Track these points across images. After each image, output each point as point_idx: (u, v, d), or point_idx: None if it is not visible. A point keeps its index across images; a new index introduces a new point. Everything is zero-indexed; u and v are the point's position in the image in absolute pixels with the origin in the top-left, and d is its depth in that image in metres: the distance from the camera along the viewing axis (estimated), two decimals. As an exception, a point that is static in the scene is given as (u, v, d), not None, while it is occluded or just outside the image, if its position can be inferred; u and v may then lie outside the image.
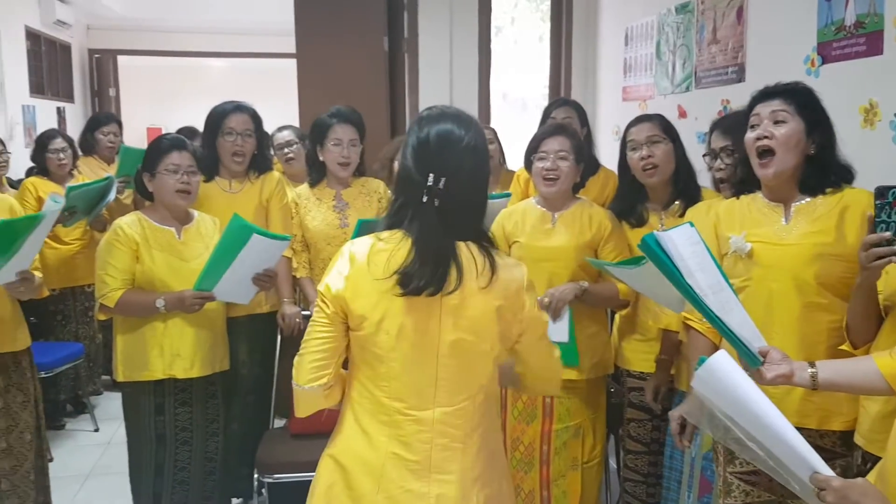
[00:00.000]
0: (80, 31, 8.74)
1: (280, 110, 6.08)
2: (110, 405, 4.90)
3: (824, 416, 2.04)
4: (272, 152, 4.23)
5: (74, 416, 4.90)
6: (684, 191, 2.79)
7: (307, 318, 1.97)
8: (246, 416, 3.34)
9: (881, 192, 1.70)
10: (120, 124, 5.47)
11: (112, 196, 4.20)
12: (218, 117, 3.23)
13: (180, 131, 4.80)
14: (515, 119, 7.67)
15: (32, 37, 7.19)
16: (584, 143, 3.08)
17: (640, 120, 2.87)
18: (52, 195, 2.83)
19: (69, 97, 8.33)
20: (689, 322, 2.25)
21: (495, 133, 4.14)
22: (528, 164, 2.87)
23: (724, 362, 1.56)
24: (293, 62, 5.35)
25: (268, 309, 3.34)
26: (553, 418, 2.84)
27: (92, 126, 5.34)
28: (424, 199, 1.65)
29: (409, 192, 1.69)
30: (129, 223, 2.81)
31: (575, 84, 5.57)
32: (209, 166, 3.20)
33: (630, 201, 2.88)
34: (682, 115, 4.20)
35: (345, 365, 1.82)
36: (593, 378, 2.86)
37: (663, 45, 4.46)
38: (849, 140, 2.14)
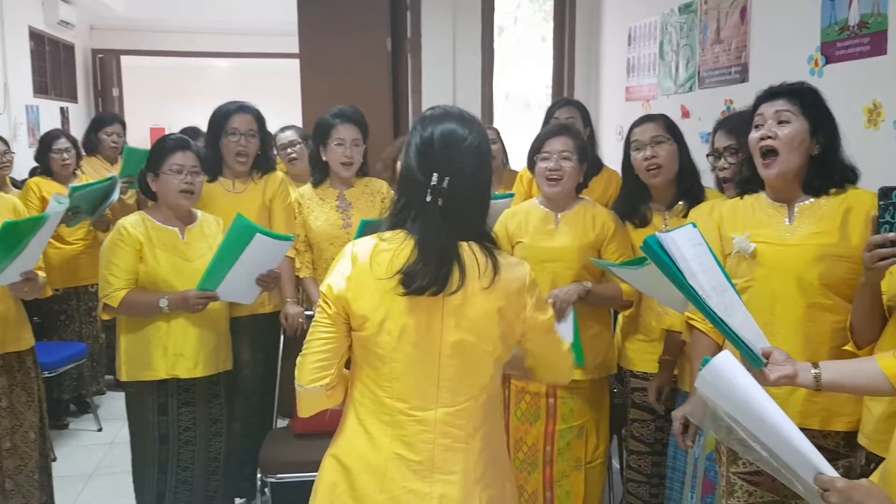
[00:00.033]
0: (83, 31, 8.75)
1: (283, 110, 6.08)
2: (113, 405, 4.91)
3: (827, 416, 2.04)
4: (275, 152, 4.24)
5: (78, 415, 4.90)
6: (688, 191, 2.79)
7: (310, 318, 1.97)
8: (249, 416, 3.35)
9: (885, 193, 1.70)
10: (123, 124, 5.48)
11: (115, 196, 4.21)
12: (221, 117, 3.24)
13: (183, 131, 4.80)
14: (518, 119, 7.66)
15: (36, 37, 7.20)
16: (587, 143, 3.07)
17: (643, 120, 2.86)
18: (55, 196, 2.84)
19: (73, 97, 8.34)
20: (692, 322, 2.25)
21: (498, 133, 4.14)
22: (532, 164, 2.87)
23: (727, 363, 1.56)
24: (296, 62, 5.35)
25: (271, 309, 3.35)
26: (556, 419, 2.84)
27: (95, 126, 5.35)
28: (428, 198, 1.65)
29: (413, 191, 1.69)
30: (132, 223, 2.81)
31: (578, 84, 5.57)
32: (213, 166, 3.20)
33: (634, 201, 2.87)
34: (686, 115, 4.20)
35: (347, 365, 1.82)
36: (597, 378, 2.86)
37: (666, 45, 4.46)
38: (852, 140, 2.14)
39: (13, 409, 2.85)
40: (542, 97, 6.77)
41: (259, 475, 3.14)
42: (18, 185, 4.85)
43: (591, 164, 2.93)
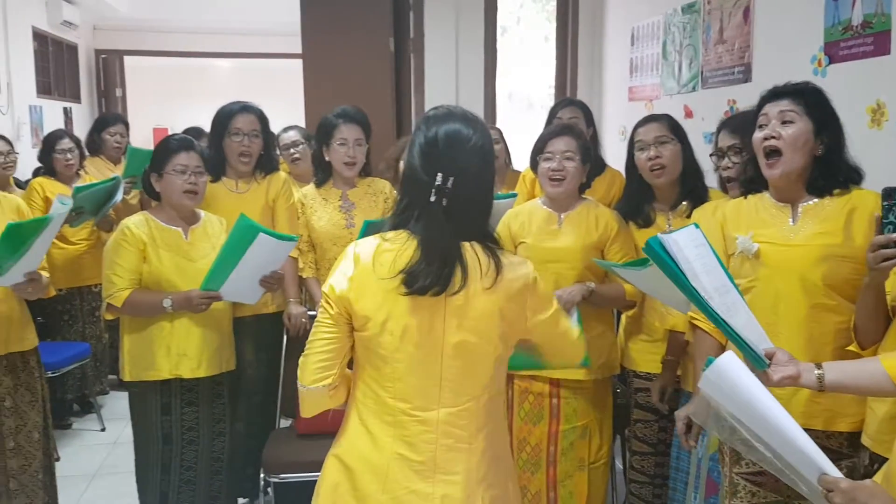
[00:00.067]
0: (86, 31, 8.77)
1: (286, 111, 6.09)
2: (117, 405, 4.92)
3: (830, 417, 2.03)
4: (278, 152, 4.24)
5: (81, 415, 4.91)
6: (692, 191, 2.79)
7: (313, 318, 1.97)
8: (252, 415, 3.35)
9: (888, 193, 1.70)
10: (126, 125, 5.48)
11: (119, 197, 4.21)
12: (225, 118, 3.24)
13: (186, 132, 4.80)
14: (521, 119, 7.67)
15: (39, 37, 7.22)
16: (590, 143, 3.07)
17: (647, 120, 2.86)
18: (59, 197, 2.84)
19: (76, 97, 8.36)
20: (695, 322, 2.24)
21: (501, 133, 4.14)
22: (534, 164, 2.87)
23: (731, 363, 1.56)
24: (299, 62, 5.35)
25: (274, 309, 3.35)
26: (560, 419, 2.83)
27: (99, 126, 5.36)
28: (432, 198, 1.65)
29: (416, 191, 1.69)
30: (136, 223, 2.82)
31: (581, 84, 5.57)
32: (216, 167, 3.20)
33: (637, 202, 2.87)
34: (689, 115, 4.19)
35: (350, 365, 1.82)
36: (600, 378, 2.86)
37: (669, 45, 4.45)
38: (856, 140, 2.13)
39: (17, 409, 2.86)
40: (545, 97, 6.78)
41: (262, 475, 3.14)
42: (22, 185, 4.86)
43: (593, 164, 2.93)
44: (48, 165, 4.65)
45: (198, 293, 2.73)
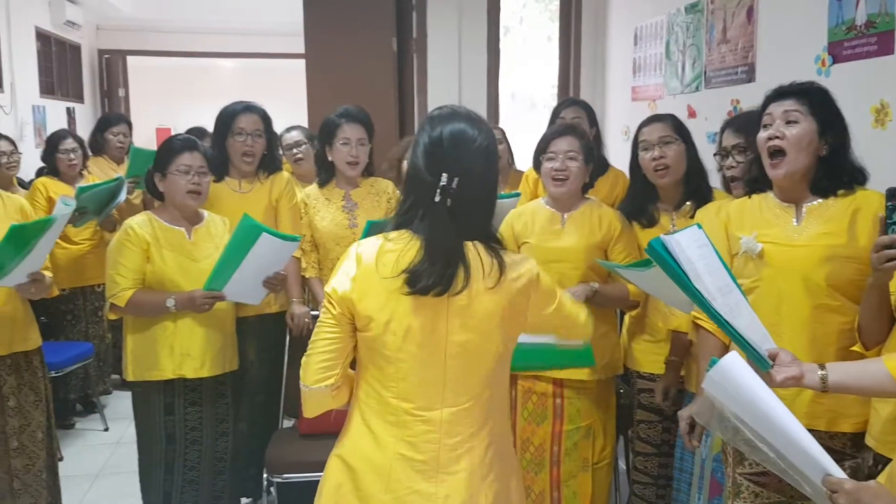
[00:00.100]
0: (89, 31, 8.77)
1: (289, 111, 6.09)
2: (120, 404, 4.92)
3: (834, 417, 2.03)
4: (281, 153, 4.24)
5: (84, 415, 4.92)
6: (696, 191, 2.79)
7: (316, 318, 1.97)
8: (255, 415, 3.35)
9: (892, 194, 1.70)
10: (129, 124, 5.49)
11: (123, 197, 4.22)
12: (228, 117, 3.24)
13: (189, 132, 4.81)
14: (524, 119, 7.67)
15: (42, 37, 7.23)
16: (592, 143, 3.07)
17: (652, 120, 2.86)
18: (62, 198, 2.85)
19: (79, 97, 8.37)
20: (698, 322, 2.24)
21: (504, 133, 4.14)
22: (537, 164, 2.86)
23: (735, 364, 1.56)
24: (302, 63, 5.37)
25: (277, 309, 3.35)
26: (563, 419, 2.83)
27: (102, 126, 5.36)
28: (437, 198, 1.65)
29: (420, 191, 1.69)
30: (139, 223, 2.82)
31: (584, 84, 5.57)
32: (219, 166, 3.20)
33: (641, 201, 2.87)
34: (692, 115, 4.19)
35: (353, 365, 1.82)
36: (603, 379, 2.86)
37: (673, 45, 4.45)
38: (860, 140, 2.13)
39: (21, 409, 2.86)
40: (548, 97, 6.77)
41: (265, 475, 3.14)
42: (25, 185, 4.87)
43: (596, 164, 2.93)
44: (51, 165, 4.65)
45: (201, 293, 2.73)
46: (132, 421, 2.96)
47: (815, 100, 2.05)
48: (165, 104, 11.44)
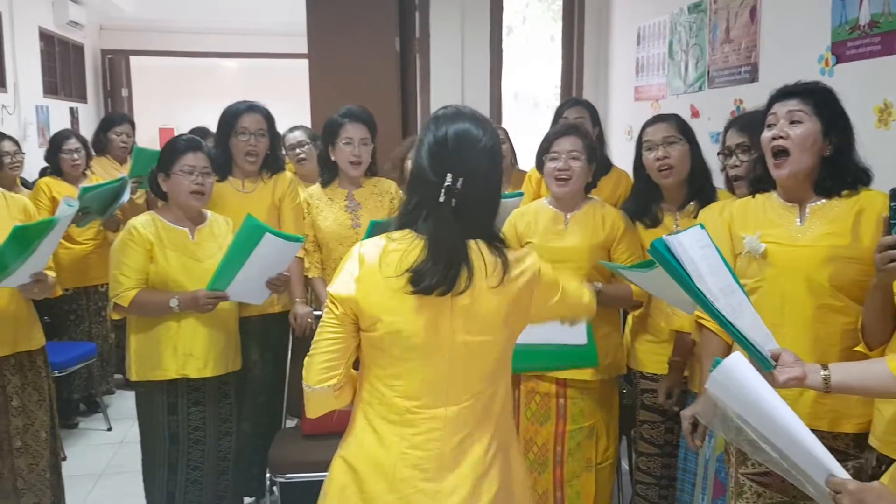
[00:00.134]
0: (92, 31, 8.79)
1: (292, 111, 6.09)
2: (123, 404, 4.93)
3: (836, 417, 2.03)
4: (284, 153, 4.24)
5: (87, 415, 4.93)
6: (700, 191, 2.78)
7: (318, 318, 1.97)
8: (258, 415, 3.35)
9: (895, 194, 1.69)
10: (133, 124, 5.50)
11: (126, 197, 4.22)
12: (231, 117, 3.24)
13: (192, 132, 4.82)
14: (527, 119, 7.66)
15: (46, 37, 7.23)
16: (595, 142, 3.07)
17: (656, 120, 2.86)
18: (65, 199, 2.85)
19: (82, 97, 8.38)
20: (701, 321, 2.24)
21: (507, 133, 4.13)
22: (540, 164, 2.86)
23: (739, 364, 1.56)
24: (305, 63, 5.37)
25: (280, 309, 3.35)
26: (567, 419, 2.83)
27: (105, 126, 5.37)
28: (442, 198, 1.65)
29: (424, 191, 1.69)
30: (143, 223, 2.82)
31: (587, 84, 5.56)
32: (222, 166, 3.21)
33: (645, 201, 2.87)
34: (695, 114, 4.18)
35: (356, 366, 1.82)
36: (606, 379, 2.85)
37: (676, 45, 4.45)
38: (863, 140, 2.12)
39: (25, 409, 2.87)
40: (551, 97, 6.77)
41: (268, 474, 3.14)
42: (29, 185, 4.88)
43: (599, 163, 2.92)
44: (55, 165, 4.65)
45: (204, 293, 2.74)
46: (135, 421, 2.96)
47: (820, 100, 2.04)
48: (168, 104, 11.46)
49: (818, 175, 2.06)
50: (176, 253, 2.82)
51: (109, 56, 9.17)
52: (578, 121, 3.43)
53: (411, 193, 1.75)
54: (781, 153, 2.04)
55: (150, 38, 9.30)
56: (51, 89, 7.30)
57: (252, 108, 3.27)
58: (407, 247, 1.67)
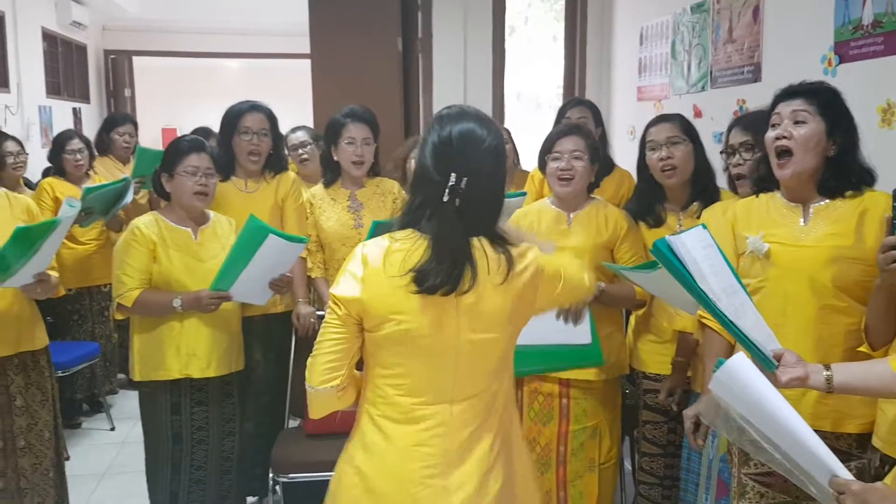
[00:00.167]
0: (95, 32, 8.80)
1: (294, 111, 6.10)
2: (126, 404, 4.94)
3: (839, 418, 2.02)
4: (286, 153, 4.24)
5: (90, 414, 4.93)
6: (703, 192, 2.78)
7: (322, 318, 1.98)
8: (261, 415, 3.35)
9: (900, 194, 1.69)
10: (135, 125, 5.50)
11: (129, 198, 4.22)
12: (234, 116, 3.25)
13: (195, 132, 4.81)
14: (529, 119, 7.65)
15: (49, 38, 7.25)
16: (598, 142, 3.07)
17: (659, 120, 2.85)
18: (68, 199, 2.86)
19: (85, 98, 8.39)
20: (704, 321, 2.23)
21: (509, 133, 4.14)
22: (543, 164, 2.86)
23: (742, 365, 1.56)
24: (307, 63, 5.36)
25: (282, 309, 3.36)
26: (570, 419, 2.83)
27: (108, 126, 5.38)
28: (446, 198, 1.65)
29: (428, 191, 1.69)
30: (146, 223, 2.83)
31: (589, 84, 5.56)
32: (225, 166, 3.21)
33: (648, 201, 2.86)
34: (698, 114, 4.18)
35: (360, 367, 1.82)
36: (609, 379, 2.85)
37: (678, 45, 4.44)
38: (866, 140, 2.12)
39: (28, 408, 2.87)
40: (554, 97, 6.76)
41: (271, 474, 3.15)
42: (32, 185, 4.88)
43: (602, 163, 2.92)
44: (58, 166, 4.66)
45: (208, 293, 2.74)
46: (138, 420, 2.97)
47: (824, 100, 2.04)
48: (171, 104, 11.47)
49: (822, 175, 2.06)
50: (179, 253, 2.82)
51: (112, 56, 9.19)
52: (581, 121, 3.43)
53: (415, 193, 1.74)
54: (785, 153, 2.04)
55: (152, 39, 9.32)
56: (54, 90, 7.31)
57: (255, 107, 3.28)
58: (410, 246, 1.67)
